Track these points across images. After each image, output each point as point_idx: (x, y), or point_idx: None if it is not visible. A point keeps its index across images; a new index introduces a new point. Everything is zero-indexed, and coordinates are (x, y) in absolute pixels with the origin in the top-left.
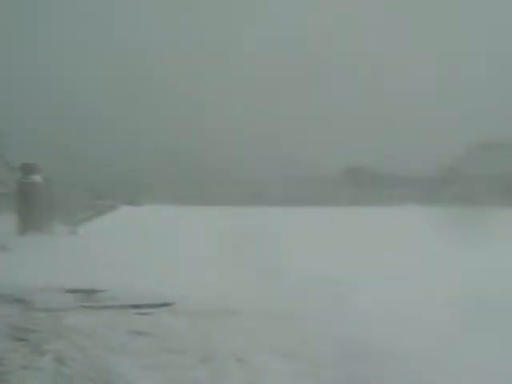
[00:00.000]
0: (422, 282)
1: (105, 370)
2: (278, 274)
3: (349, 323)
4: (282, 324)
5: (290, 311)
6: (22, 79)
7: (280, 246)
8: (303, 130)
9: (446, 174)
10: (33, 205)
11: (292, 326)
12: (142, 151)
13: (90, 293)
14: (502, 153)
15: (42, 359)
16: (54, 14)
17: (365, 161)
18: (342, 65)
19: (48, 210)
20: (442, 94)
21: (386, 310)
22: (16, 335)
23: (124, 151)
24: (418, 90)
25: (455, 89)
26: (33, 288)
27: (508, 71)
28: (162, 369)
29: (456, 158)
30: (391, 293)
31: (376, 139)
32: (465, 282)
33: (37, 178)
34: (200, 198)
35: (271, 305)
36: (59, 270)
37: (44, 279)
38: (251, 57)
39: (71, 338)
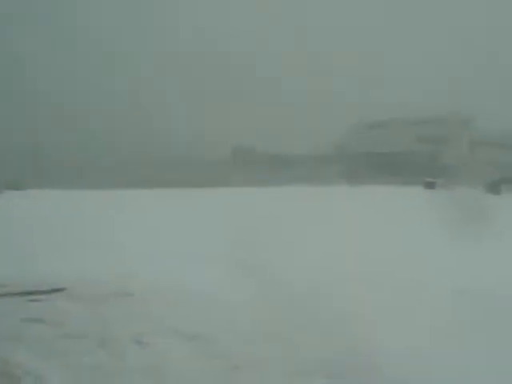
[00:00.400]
0: None
1: (1, 360)
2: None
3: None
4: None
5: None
6: None
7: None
8: (202, 116)
9: (332, 152)
10: None
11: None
12: None
13: None
14: (383, 131)
15: None
16: None
17: (252, 142)
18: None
19: None
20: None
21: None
22: None
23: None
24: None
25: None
26: None
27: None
28: (60, 355)
29: (345, 136)
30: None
31: (266, 121)
32: None
33: None
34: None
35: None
36: None
37: None
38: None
39: None
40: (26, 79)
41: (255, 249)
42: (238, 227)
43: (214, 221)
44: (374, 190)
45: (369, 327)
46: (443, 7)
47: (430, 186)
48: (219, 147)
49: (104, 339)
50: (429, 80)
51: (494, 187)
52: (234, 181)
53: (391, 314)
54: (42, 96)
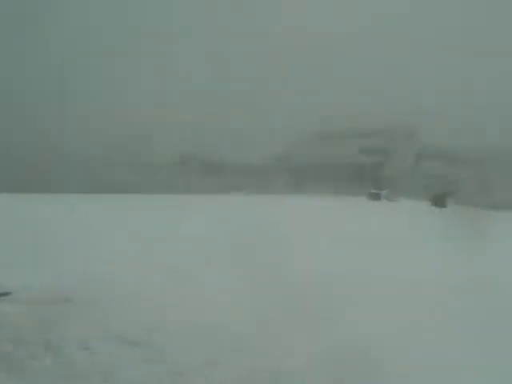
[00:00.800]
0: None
1: None
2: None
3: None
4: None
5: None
6: None
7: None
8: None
9: (279, 162)
10: None
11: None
12: None
13: None
14: (329, 143)
15: None
16: None
17: (199, 149)
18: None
19: None
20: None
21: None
22: None
23: None
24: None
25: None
26: None
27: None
28: (4, 359)
29: (290, 147)
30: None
31: (211, 127)
32: None
33: None
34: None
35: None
36: None
37: None
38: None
39: None
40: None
41: (188, 257)
42: (179, 235)
43: (157, 228)
44: (318, 201)
45: None
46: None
47: (374, 197)
48: (168, 154)
49: (49, 344)
50: (376, 93)
51: (440, 200)
52: (181, 187)
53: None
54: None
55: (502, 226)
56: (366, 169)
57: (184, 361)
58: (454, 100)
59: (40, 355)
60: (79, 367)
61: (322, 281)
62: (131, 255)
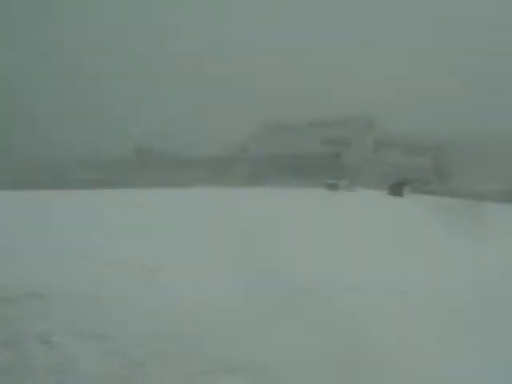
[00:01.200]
0: None
1: None
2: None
3: None
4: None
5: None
6: None
7: None
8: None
9: (237, 154)
10: None
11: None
12: None
13: None
14: (288, 133)
15: None
16: None
17: (154, 142)
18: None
19: None
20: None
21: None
22: None
23: None
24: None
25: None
26: None
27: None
28: None
29: (250, 138)
30: None
31: (173, 122)
32: None
33: None
34: None
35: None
36: None
37: None
38: None
39: None
40: None
41: (162, 253)
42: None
43: (130, 224)
44: (278, 192)
45: None
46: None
47: (331, 187)
48: (123, 148)
49: (9, 339)
50: (337, 82)
51: (397, 189)
52: (137, 182)
53: None
54: None
55: (460, 213)
56: (326, 159)
57: (143, 353)
58: (413, 88)
59: (0, 351)
60: (38, 361)
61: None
62: (105, 252)
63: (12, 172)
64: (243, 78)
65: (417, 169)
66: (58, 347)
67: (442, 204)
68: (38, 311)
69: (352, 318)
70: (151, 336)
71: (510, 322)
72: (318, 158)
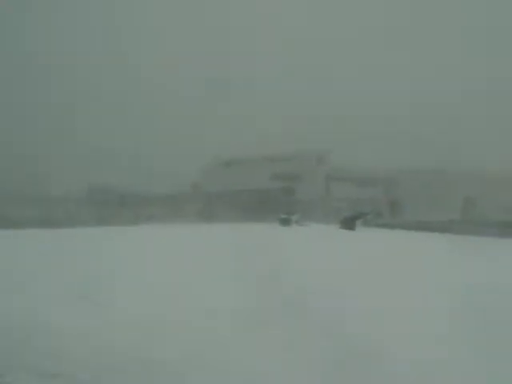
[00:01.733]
0: None
1: None
2: None
3: None
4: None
5: None
6: None
7: None
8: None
9: (189, 190)
10: None
11: None
12: None
13: None
14: (239, 169)
15: None
16: None
17: (109, 180)
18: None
19: None
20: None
21: None
22: None
23: None
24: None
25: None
26: None
27: None
28: None
29: (201, 174)
30: None
31: (124, 159)
32: None
33: None
34: None
35: None
36: None
37: None
38: None
39: None
40: None
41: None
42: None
43: (64, 262)
44: (229, 228)
45: None
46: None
47: (284, 222)
48: (76, 185)
49: None
50: (286, 119)
51: (349, 223)
52: (87, 220)
53: None
54: None
55: (411, 245)
56: (277, 194)
57: None
58: (364, 122)
59: None
60: None
61: None
62: (55, 289)
63: None
64: (194, 116)
65: (369, 202)
66: None
67: (391, 236)
68: None
69: None
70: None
71: None
72: (269, 193)
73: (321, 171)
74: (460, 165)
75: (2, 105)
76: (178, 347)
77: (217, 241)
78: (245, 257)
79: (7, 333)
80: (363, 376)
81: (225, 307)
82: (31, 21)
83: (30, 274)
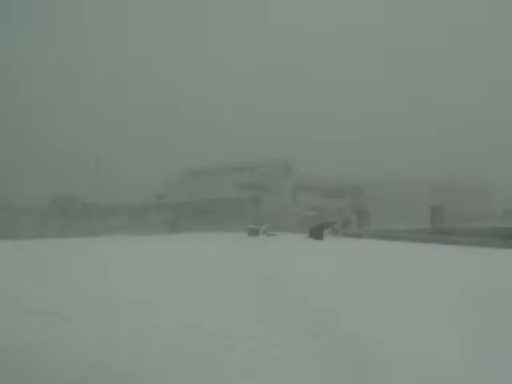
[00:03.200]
0: None
1: None
2: None
3: None
4: None
5: None
6: None
7: None
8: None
9: (155, 201)
10: None
11: None
12: None
13: None
14: (205, 179)
15: None
16: None
17: (72, 191)
18: None
19: None
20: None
21: None
22: None
23: None
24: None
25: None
26: None
27: None
28: None
29: (165, 185)
30: None
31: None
32: None
33: None
34: None
35: None
36: None
37: None
38: None
39: None
40: None
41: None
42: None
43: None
44: (196, 238)
45: None
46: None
47: (252, 232)
48: (40, 195)
49: None
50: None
51: (317, 232)
52: (51, 230)
53: None
54: None
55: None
56: (244, 204)
57: None
58: (330, 130)
59: None
60: None
61: None
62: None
63: None
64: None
65: (336, 212)
66: None
67: (359, 245)
68: None
69: None
70: None
71: None
72: (236, 202)
73: (288, 181)
74: (428, 173)
75: None
76: (144, 362)
77: (183, 253)
78: (212, 269)
79: None
80: None
81: (193, 323)
82: None
83: None
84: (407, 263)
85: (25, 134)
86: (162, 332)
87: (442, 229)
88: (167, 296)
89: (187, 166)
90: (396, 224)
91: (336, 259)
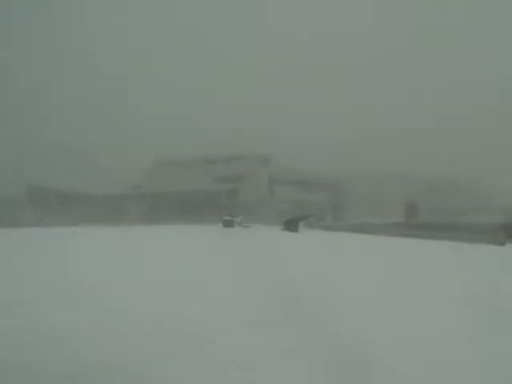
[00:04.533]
0: None
1: None
2: None
3: None
4: None
5: None
6: None
7: None
8: None
9: (131, 191)
10: None
11: None
12: None
13: None
14: (182, 170)
15: None
16: None
17: (49, 180)
18: None
19: None
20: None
21: None
22: None
23: None
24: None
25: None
26: None
27: None
28: None
29: (144, 175)
30: None
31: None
32: None
33: None
34: None
35: None
36: None
37: None
38: None
39: None
40: None
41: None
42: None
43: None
44: (172, 229)
45: None
46: None
47: (228, 224)
48: (14, 185)
49: None
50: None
51: (292, 225)
52: (27, 220)
53: None
54: None
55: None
56: (220, 196)
57: None
58: (309, 125)
59: None
60: None
61: None
62: None
63: None
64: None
65: (312, 205)
66: None
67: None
68: None
69: None
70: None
71: None
72: (212, 194)
73: (264, 173)
74: (403, 169)
75: None
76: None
77: (158, 244)
78: (185, 261)
79: None
80: None
81: (157, 319)
82: None
83: None
84: (372, 256)
85: None
86: None
87: (415, 224)
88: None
89: (163, 156)
90: (372, 218)
91: (308, 254)
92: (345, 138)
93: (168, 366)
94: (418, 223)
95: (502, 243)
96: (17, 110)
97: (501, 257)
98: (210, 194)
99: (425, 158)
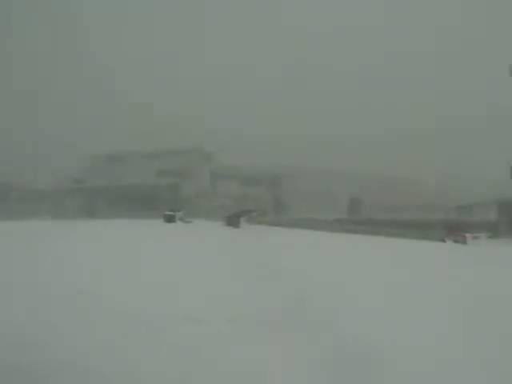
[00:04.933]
0: None
1: None
2: None
3: None
4: None
5: None
6: None
7: None
8: None
9: (72, 186)
10: None
11: None
12: None
13: None
14: (122, 164)
15: None
16: None
17: None
18: None
19: None
20: None
21: None
22: None
23: None
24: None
25: None
26: None
27: None
28: None
29: (82, 170)
30: None
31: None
32: None
33: None
34: None
35: None
36: None
37: None
38: None
39: None
40: None
41: None
42: None
43: None
44: (112, 224)
45: None
46: None
47: (169, 219)
48: None
49: None
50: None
51: (234, 220)
52: None
53: None
54: None
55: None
56: (162, 190)
57: None
58: (249, 120)
59: None
60: None
61: None
62: None
63: None
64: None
65: (254, 200)
66: None
67: (275, 233)
68: None
69: None
70: None
71: None
72: (154, 189)
73: (206, 168)
74: (346, 165)
75: None
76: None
77: (96, 240)
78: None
79: None
80: None
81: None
82: None
83: None
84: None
85: None
86: None
87: (358, 219)
88: None
89: (103, 151)
90: (315, 214)
91: (249, 252)
92: (286, 131)
93: None
94: (360, 219)
95: (442, 240)
96: None
97: (440, 253)
98: (152, 189)
99: (375, 157)
